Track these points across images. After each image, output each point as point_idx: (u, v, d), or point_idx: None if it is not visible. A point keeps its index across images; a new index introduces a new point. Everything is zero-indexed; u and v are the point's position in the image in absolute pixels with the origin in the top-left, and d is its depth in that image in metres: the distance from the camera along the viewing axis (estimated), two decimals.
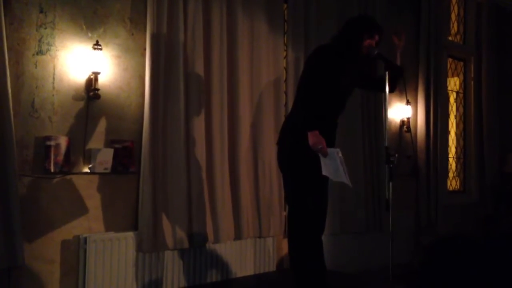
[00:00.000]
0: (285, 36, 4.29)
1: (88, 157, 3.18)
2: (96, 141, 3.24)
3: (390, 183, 3.40)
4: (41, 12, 3.04)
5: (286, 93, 4.24)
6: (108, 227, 3.28)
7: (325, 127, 2.91)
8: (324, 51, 2.97)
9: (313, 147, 2.80)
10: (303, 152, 2.87)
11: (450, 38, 6.20)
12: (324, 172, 2.86)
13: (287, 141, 3.01)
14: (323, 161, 2.85)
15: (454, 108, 6.35)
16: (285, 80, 4.26)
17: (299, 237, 2.95)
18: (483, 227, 6.12)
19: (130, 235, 3.30)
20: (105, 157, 3.20)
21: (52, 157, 3.00)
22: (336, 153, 2.86)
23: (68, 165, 3.07)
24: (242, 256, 3.87)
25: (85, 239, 3.12)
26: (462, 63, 6.44)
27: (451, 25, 6.30)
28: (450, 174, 6.21)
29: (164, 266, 3.44)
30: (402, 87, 5.00)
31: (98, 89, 3.17)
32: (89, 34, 3.22)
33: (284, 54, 4.27)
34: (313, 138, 2.79)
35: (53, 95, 3.08)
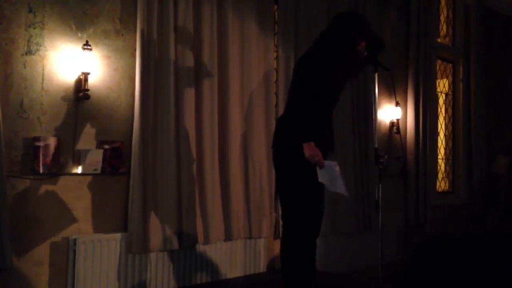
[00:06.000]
0: (276, 37, 4.30)
1: (78, 158, 3.16)
2: (86, 142, 3.22)
3: (380, 184, 3.42)
4: (30, 11, 3.02)
5: (276, 94, 4.24)
6: (98, 228, 3.26)
7: (322, 129, 2.94)
8: (317, 59, 2.93)
9: (309, 159, 2.79)
10: (298, 156, 2.85)
11: (439, 40, 6.25)
12: (320, 180, 2.87)
13: (282, 144, 2.99)
14: (319, 170, 2.85)
15: (443, 110, 6.41)
16: (276, 81, 4.26)
17: (294, 240, 2.93)
18: (471, 228, 6.17)
19: (119, 236, 3.29)
20: (95, 158, 3.19)
21: (41, 158, 2.98)
22: (334, 166, 2.86)
23: (57, 166, 3.05)
24: (232, 257, 3.86)
25: (74, 240, 3.11)
26: (451, 65, 6.50)
27: (440, 27, 6.36)
28: (439, 175, 6.26)
29: (154, 268, 3.43)
30: (391, 89, 5.09)
31: (87, 90, 3.15)
32: (79, 34, 3.21)
33: (275, 55, 4.27)
34: (309, 151, 2.78)
35: (42, 95, 3.05)
